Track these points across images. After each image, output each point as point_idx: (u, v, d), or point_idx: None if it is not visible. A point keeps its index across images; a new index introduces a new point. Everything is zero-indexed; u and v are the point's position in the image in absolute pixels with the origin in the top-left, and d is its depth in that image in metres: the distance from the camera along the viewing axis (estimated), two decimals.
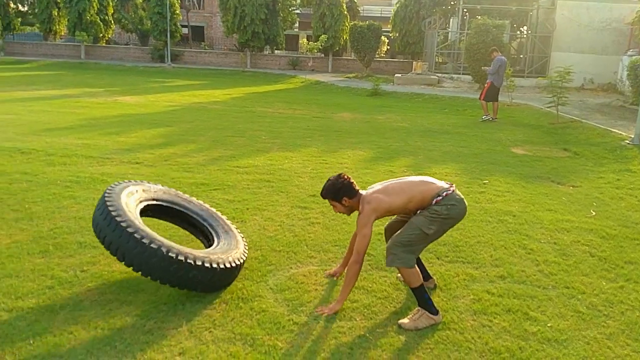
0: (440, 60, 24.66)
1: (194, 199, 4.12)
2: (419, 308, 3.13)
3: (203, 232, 3.87)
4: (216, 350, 2.76)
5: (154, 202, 3.76)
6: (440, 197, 3.14)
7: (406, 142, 9.07)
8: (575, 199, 5.88)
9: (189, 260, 3.09)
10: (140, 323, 2.99)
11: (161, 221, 4.12)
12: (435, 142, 9.11)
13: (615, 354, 2.91)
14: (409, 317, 3.14)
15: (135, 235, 3.06)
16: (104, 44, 31.39)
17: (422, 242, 3.19)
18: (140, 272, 3.09)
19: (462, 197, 3.26)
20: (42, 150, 7.12)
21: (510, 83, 14.21)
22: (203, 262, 3.14)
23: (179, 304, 3.19)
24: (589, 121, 11.60)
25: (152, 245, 3.04)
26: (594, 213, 5.41)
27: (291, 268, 3.80)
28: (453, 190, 3.21)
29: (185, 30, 33.75)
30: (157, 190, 3.88)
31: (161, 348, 2.76)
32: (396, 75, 22.48)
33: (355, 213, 3.29)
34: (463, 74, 20.91)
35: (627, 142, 9.15)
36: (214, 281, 3.26)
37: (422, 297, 3.14)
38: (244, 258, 3.55)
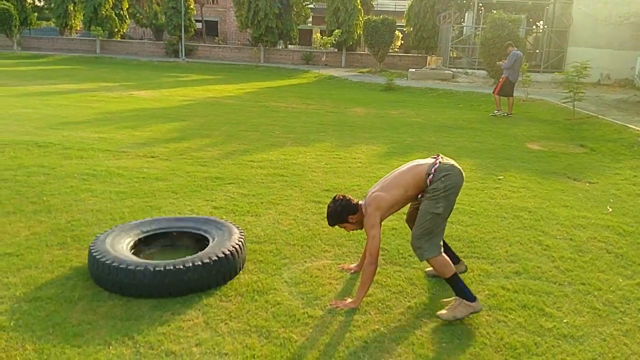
0: (455, 55, 24.50)
1: (180, 215, 4.18)
2: (456, 297, 3.12)
3: (200, 241, 3.81)
4: (232, 341, 2.79)
5: (143, 235, 3.77)
6: (432, 175, 3.13)
7: (420, 137, 9.03)
8: (592, 196, 5.83)
9: (178, 266, 3.17)
10: (156, 314, 3.03)
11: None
12: (450, 138, 9.06)
13: (632, 350, 2.89)
14: (446, 307, 3.13)
15: (121, 265, 3.17)
16: (119, 39, 31.61)
17: (438, 224, 3.17)
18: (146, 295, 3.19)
19: (452, 162, 3.23)
20: (59, 143, 7.20)
21: (526, 78, 14.08)
22: (193, 262, 3.22)
23: (194, 296, 3.22)
24: (606, 117, 11.46)
25: (138, 268, 3.16)
26: (610, 209, 5.35)
27: (305, 262, 3.81)
28: (440, 162, 3.19)
29: (199, 25, 33.89)
30: (139, 224, 3.89)
31: (178, 339, 2.80)
32: (410, 70, 22.37)
33: None
34: (478, 69, 20.74)
35: None
36: (213, 274, 3.30)
37: (457, 285, 3.14)
38: (240, 243, 3.55)
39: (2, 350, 2.67)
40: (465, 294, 3.10)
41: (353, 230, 3.42)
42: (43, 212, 4.61)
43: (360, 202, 3.34)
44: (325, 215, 3.37)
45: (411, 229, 3.44)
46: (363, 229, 3.33)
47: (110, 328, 2.89)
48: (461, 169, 3.26)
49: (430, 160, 3.24)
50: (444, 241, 3.37)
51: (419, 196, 3.23)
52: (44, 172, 5.82)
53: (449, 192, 3.14)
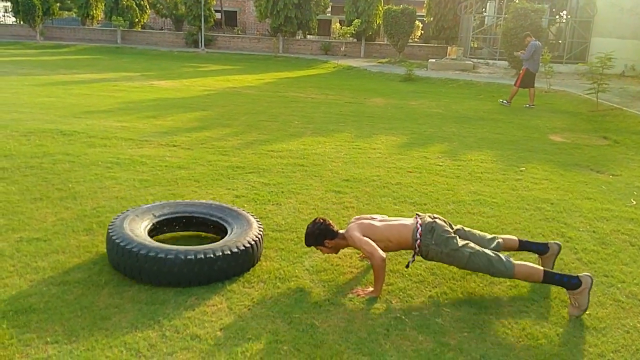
0: (476, 46, 24.21)
1: (196, 200, 4.17)
2: (568, 292, 3.14)
3: (216, 228, 3.85)
4: (256, 326, 2.84)
5: (159, 219, 3.80)
6: (419, 240, 3.24)
7: (440, 128, 8.98)
8: (615, 188, 5.76)
9: (208, 255, 3.19)
10: (181, 299, 3.09)
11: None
12: (470, 129, 9.00)
13: None
14: (570, 305, 3.13)
15: (150, 253, 3.17)
16: (139, 29, 31.86)
17: (469, 252, 3.18)
18: (169, 284, 3.21)
19: (430, 218, 3.34)
20: (83, 132, 7.32)
21: (548, 69, 13.87)
22: (223, 251, 3.24)
23: (218, 282, 3.28)
24: (630, 109, 11.26)
25: (169, 256, 3.16)
26: (634, 202, 5.29)
27: None
28: (420, 223, 3.29)
29: (218, 15, 33.93)
30: (155, 207, 3.91)
31: (203, 324, 2.85)
32: (430, 60, 22.18)
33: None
34: (499, 59, 20.50)
35: None
36: (239, 264, 3.34)
37: (555, 281, 3.17)
38: (261, 234, 3.59)
39: (33, 330, 2.75)
40: (565, 283, 3.11)
41: (328, 253, 3.53)
42: (69, 199, 4.71)
43: (340, 230, 3.46)
44: (305, 233, 3.47)
45: None
46: (337, 254, 3.57)
47: (137, 312, 2.95)
48: (440, 219, 3.37)
49: (410, 222, 3.35)
50: (519, 240, 3.50)
51: (415, 253, 3.32)
52: (69, 159, 5.93)
53: (442, 235, 3.22)
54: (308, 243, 3.47)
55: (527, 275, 3.16)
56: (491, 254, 3.18)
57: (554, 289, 3.37)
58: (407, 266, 3.43)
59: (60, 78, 13.77)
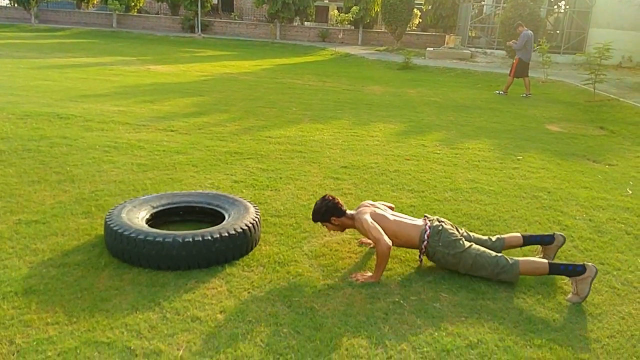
0: (474, 35, 24.14)
1: (192, 191, 4.17)
2: (571, 279, 3.19)
3: (214, 215, 3.85)
4: (256, 309, 2.86)
5: (156, 210, 3.79)
6: (426, 241, 3.29)
7: (438, 116, 8.99)
8: (611, 177, 5.79)
9: (206, 238, 3.21)
10: (181, 282, 3.10)
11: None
12: (468, 117, 9.00)
13: None
14: (571, 292, 3.17)
15: (148, 238, 3.19)
16: (135, 13, 31.54)
17: (476, 255, 3.23)
18: (168, 268, 3.21)
19: (437, 220, 3.40)
20: (80, 116, 7.28)
21: (546, 59, 13.87)
22: (220, 234, 3.26)
23: (217, 265, 3.29)
24: (627, 100, 11.29)
25: (167, 239, 3.17)
26: (630, 192, 5.32)
27: (325, 236, 3.85)
28: (429, 226, 3.33)
29: (214, 0, 33.62)
30: (152, 198, 3.90)
31: (203, 306, 2.87)
32: (428, 48, 22.12)
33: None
34: (497, 48, 20.46)
35: None
36: (237, 246, 3.36)
37: (560, 271, 3.21)
38: (258, 217, 3.60)
39: (34, 312, 2.75)
40: (570, 272, 3.16)
41: (333, 231, 3.57)
42: (67, 182, 4.70)
43: (348, 210, 3.50)
44: (313, 209, 3.50)
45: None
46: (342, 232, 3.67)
47: (137, 294, 2.96)
48: (447, 223, 3.43)
49: (420, 222, 3.40)
50: (523, 236, 3.55)
51: (421, 254, 3.37)
52: (67, 143, 5.90)
53: (449, 238, 3.28)
54: (315, 219, 3.50)
55: (533, 269, 3.23)
56: (496, 254, 3.27)
57: (551, 278, 3.39)
58: (420, 262, 3.45)
59: (55, 61, 13.65)
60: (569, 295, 3.15)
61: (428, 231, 3.31)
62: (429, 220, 3.40)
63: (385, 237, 3.20)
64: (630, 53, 19.23)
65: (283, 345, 2.56)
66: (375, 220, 3.32)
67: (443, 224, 3.39)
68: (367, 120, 8.30)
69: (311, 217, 3.54)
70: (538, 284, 3.30)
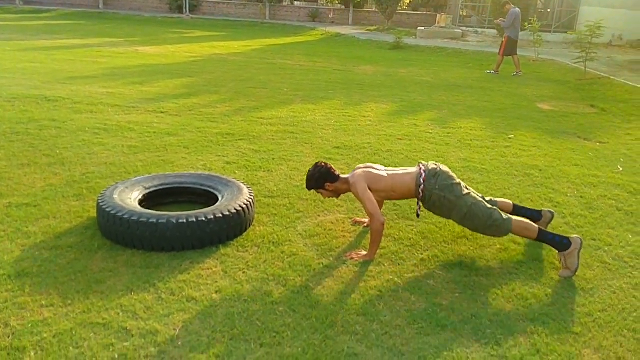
0: (465, 14, 24.00)
1: (184, 172, 4.13)
2: (559, 253, 3.23)
3: (207, 196, 3.83)
4: (251, 289, 2.86)
5: (148, 191, 3.76)
6: (422, 185, 3.26)
7: (430, 96, 8.97)
8: (602, 155, 5.83)
9: (200, 219, 3.20)
10: (176, 263, 3.09)
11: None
12: (459, 97, 8.99)
13: None
14: (561, 267, 3.20)
15: (141, 219, 3.17)
16: None
17: (472, 201, 3.22)
18: (163, 249, 3.20)
19: (434, 165, 3.37)
20: (69, 98, 7.19)
21: (537, 38, 13.84)
22: (214, 214, 3.25)
23: (212, 246, 3.28)
24: (617, 78, 11.33)
25: (160, 220, 3.15)
26: (621, 169, 5.36)
27: (319, 216, 3.86)
28: (424, 170, 3.31)
29: None
30: (144, 179, 3.87)
31: (198, 287, 2.87)
32: (419, 28, 21.97)
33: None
34: (488, 28, 20.38)
35: None
36: (231, 227, 3.35)
37: (548, 240, 3.24)
38: (252, 198, 3.59)
39: (28, 294, 2.74)
40: (557, 243, 3.20)
41: (329, 197, 3.54)
42: (57, 165, 4.65)
43: (342, 175, 3.47)
44: (306, 177, 3.48)
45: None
46: (337, 198, 3.60)
47: (131, 275, 2.96)
48: (443, 165, 3.43)
49: (414, 170, 3.37)
50: (514, 204, 3.56)
51: (419, 201, 3.33)
52: (56, 125, 5.83)
53: (447, 181, 3.25)
54: (309, 186, 3.47)
55: (523, 229, 3.24)
56: (491, 206, 3.26)
57: (543, 252, 3.43)
58: (418, 216, 3.43)
59: (42, 43, 13.42)
60: (561, 271, 3.19)
61: (423, 175, 3.28)
62: (424, 165, 3.36)
63: (379, 214, 3.20)
64: (620, 31, 19.24)
65: (279, 324, 2.57)
66: (371, 182, 3.28)
67: (440, 166, 3.35)
68: (358, 100, 8.26)
69: (305, 185, 3.50)
70: (530, 261, 3.33)
